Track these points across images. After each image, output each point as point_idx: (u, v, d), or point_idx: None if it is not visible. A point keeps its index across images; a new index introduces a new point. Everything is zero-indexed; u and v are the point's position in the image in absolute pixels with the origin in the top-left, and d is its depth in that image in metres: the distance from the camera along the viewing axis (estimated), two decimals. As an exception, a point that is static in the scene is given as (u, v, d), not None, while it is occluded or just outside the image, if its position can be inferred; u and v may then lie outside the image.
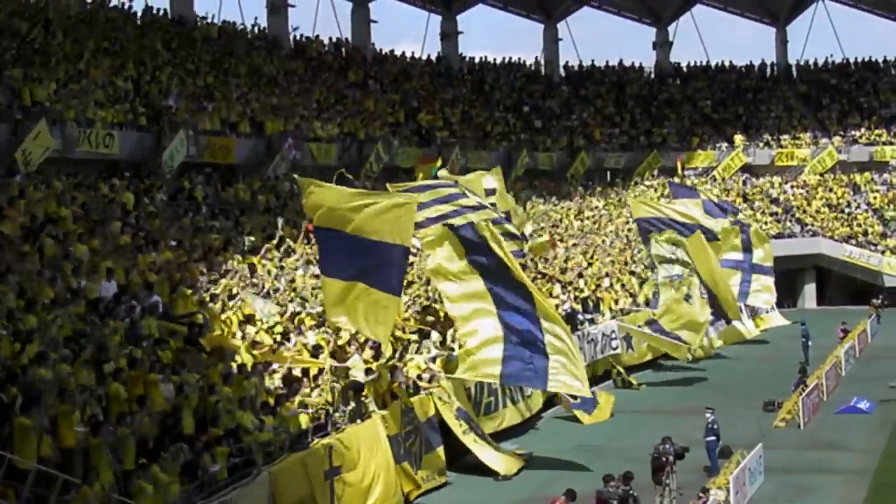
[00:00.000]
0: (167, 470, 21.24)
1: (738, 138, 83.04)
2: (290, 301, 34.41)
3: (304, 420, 26.98)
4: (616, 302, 51.94)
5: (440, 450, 31.22)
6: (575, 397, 37.03)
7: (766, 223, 75.59)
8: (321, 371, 29.44)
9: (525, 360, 31.54)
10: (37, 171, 36.86)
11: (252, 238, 40.96)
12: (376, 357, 31.56)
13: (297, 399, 27.73)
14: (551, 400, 39.10)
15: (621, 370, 45.79)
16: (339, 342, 31.44)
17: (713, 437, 30.92)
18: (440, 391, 32.30)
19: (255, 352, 29.16)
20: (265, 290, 34.53)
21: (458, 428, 32.06)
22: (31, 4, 49.75)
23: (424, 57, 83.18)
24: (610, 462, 29.38)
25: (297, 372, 29.44)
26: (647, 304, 52.67)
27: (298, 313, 33.37)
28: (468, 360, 32.14)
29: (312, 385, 28.88)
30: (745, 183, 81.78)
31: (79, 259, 29.33)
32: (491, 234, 32.76)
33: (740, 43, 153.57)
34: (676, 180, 75.79)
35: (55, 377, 21.82)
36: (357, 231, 28.56)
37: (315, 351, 30.27)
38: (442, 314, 36.34)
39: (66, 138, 39.47)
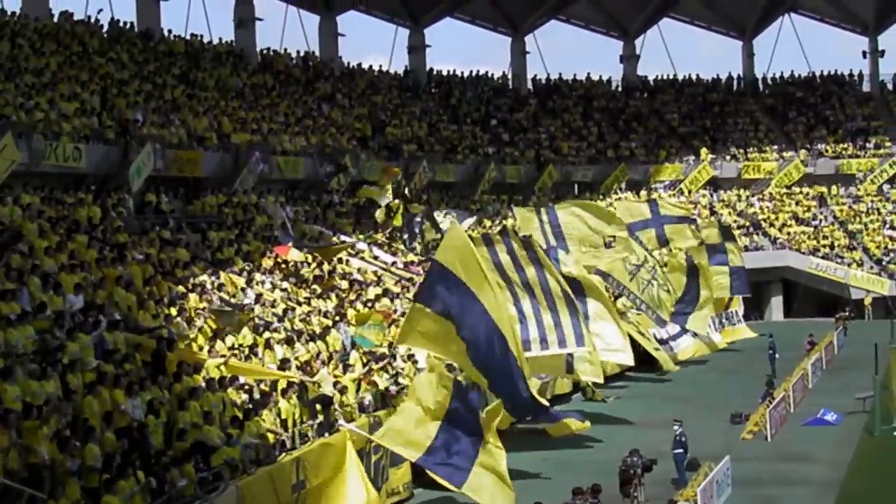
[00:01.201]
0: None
1: (705, 151, 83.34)
2: (259, 316, 34.39)
3: (271, 434, 26.93)
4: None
5: (407, 464, 31.13)
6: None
7: (733, 236, 75.97)
8: (290, 385, 29.38)
9: (452, 454, 30.03)
10: (3, 184, 36.65)
11: (219, 252, 40.96)
12: (344, 371, 31.58)
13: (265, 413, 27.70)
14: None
15: (589, 384, 45.81)
16: (306, 357, 31.42)
17: (681, 450, 30.97)
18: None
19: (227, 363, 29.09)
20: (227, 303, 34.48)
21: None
22: (-3, 18, 49.62)
23: (392, 70, 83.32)
24: (578, 475, 29.40)
25: (265, 386, 29.40)
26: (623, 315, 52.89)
27: (267, 327, 33.34)
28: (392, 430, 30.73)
29: (280, 399, 28.81)
30: (712, 196, 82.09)
31: (45, 273, 29.19)
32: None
33: (707, 56, 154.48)
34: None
35: (21, 392, 21.74)
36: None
37: (283, 364, 30.23)
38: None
39: (32, 152, 39.28)
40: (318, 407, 29.45)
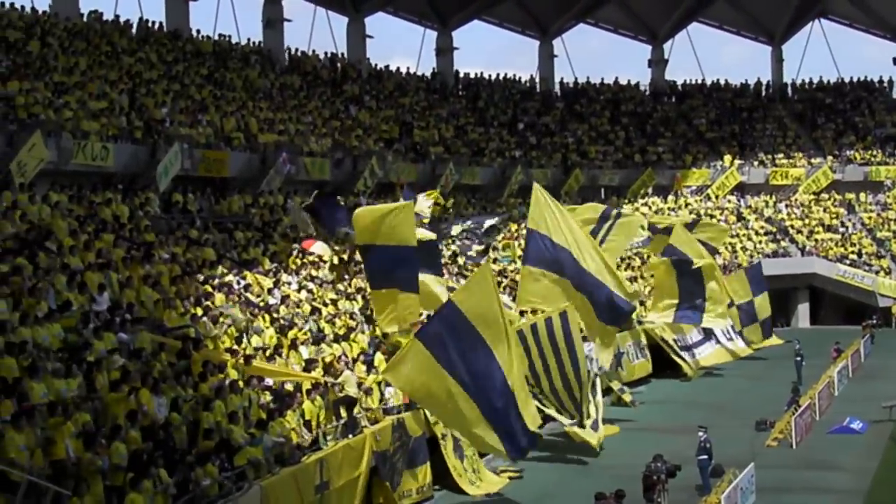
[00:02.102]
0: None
1: (728, 158, 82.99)
2: (284, 317, 34.43)
3: (295, 435, 26.96)
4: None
5: (425, 467, 31.18)
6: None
7: (760, 242, 75.73)
8: (315, 386, 29.42)
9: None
10: (31, 183, 36.78)
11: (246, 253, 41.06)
12: (369, 371, 31.63)
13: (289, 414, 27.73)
14: (543, 417, 38.98)
15: (614, 387, 45.78)
16: (328, 358, 31.46)
17: (705, 456, 30.89)
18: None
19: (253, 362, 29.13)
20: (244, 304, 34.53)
21: (447, 447, 32.02)
22: (28, 17, 49.76)
23: (419, 72, 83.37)
24: (601, 480, 29.33)
25: (289, 387, 29.44)
26: (640, 322, 52.83)
27: (291, 328, 33.38)
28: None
29: (305, 400, 28.84)
30: (739, 202, 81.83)
31: (72, 271, 29.27)
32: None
33: (736, 61, 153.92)
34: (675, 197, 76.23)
35: (47, 390, 21.83)
36: (385, 241, 29.37)
37: (308, 365, 30.29)
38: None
39: (60, 150, 39.40)
40: (342, 408, 29.50)
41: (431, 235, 39.42)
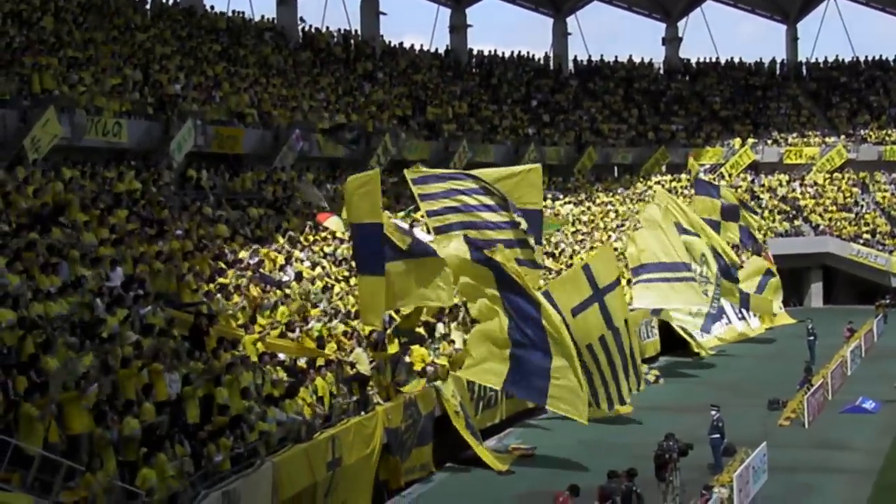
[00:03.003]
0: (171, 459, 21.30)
1: (738, 142, 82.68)
2: (297, 293, 34.47)
3: (308, 411, 27.02)
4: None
5: (430, 445, 31.35)
6: None
7: (773, 221, 75.56)
8: (328, 362, 29.47)
9: (529, 374, 31.34)
10: (44, 158, 36.83)
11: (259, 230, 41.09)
12: (376, 349, 31.66)
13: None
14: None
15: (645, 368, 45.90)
16: (340, 335, 31.54)
17: (717, 435, 30.85)
18: (445, 386, 32.35)
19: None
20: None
21: (459, 423, 32.12)
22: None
23: (433, 50, 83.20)
24: (613, 458, 29.32)
25: (302, 363, 29.49)
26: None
27: (304, 304, 33.41)
28: (473, 363, 32.19)
29: (317, 376, 28.87)
30: (752, 181, 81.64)
31: (86, 247, 29.32)
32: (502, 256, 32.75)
33: (750, 40, 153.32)
34: (689, 177, 75.99)
35: (61, 365, 21.88)
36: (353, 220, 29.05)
37: (319, 342, 30.34)
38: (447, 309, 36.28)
39: (74, 126, 39.40)
40: (355, 385, 29.55)
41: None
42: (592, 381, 35.31)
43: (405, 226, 37.09)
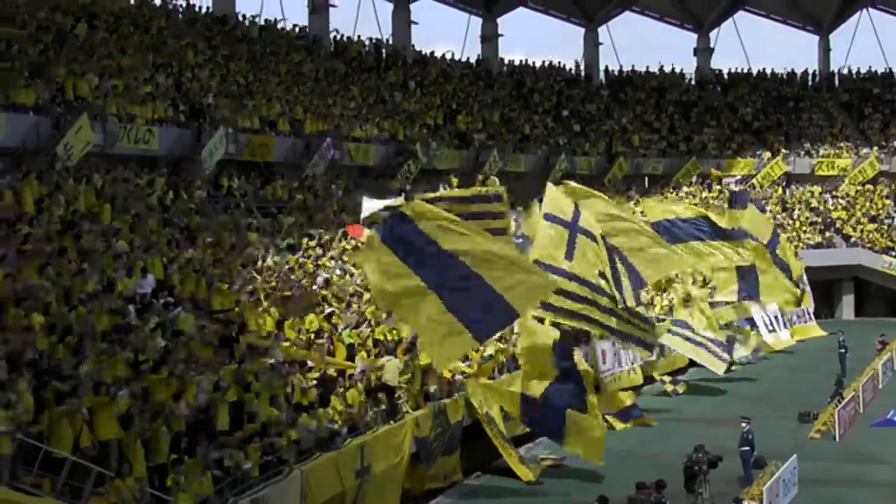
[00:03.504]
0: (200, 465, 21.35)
1: (768, 154, 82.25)
2: (326, 300, 34.50)
3: (338, 419, 27.04)
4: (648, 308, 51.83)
5: (457, 454, 31.38)
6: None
7: (804, 232, 75.26)
8: (363, 370, 29.51)
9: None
10: (77, 165, 36.99)
11: (290, 239, 41.13)
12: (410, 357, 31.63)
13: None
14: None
15: (665, 379, 45.77)
16: (369, 343, 31.55)
17: (747, 447, 30.76)
18: (475, 394, 32.34)
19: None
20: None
21: (490, 431, 32.09)
22: (75, 0, 49.92)
23: (464, 59, 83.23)
24: (642, 469, 29.28)
25: (332, 371, 29.51)
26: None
27: (334, 313, 33.45)
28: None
29: (347, 385, 28.90)
30: (784, 192, 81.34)
31: (117, 254, 29.43)
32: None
33: (782, 50, 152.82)
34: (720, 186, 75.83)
35: (92, 370, 21.96)
36: (459, 253, 27.47)
37: (349, 351, 30.38)
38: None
39: (106, 133, 39.58)
40: (383, 395, 29.53)
41: None
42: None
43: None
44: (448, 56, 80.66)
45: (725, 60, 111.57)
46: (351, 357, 30.54)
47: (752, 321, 55.34)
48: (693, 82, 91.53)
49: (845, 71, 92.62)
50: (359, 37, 73.29)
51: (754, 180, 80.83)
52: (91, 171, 37.05)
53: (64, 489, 19.56)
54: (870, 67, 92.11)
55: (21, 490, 18.77)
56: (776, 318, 57.84)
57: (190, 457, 21.33)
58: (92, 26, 47.38)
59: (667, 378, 46.32)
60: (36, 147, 36.95)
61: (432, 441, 29.96)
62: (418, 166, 58.44)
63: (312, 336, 30.91)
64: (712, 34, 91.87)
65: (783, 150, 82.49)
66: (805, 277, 59.31)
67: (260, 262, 36.12)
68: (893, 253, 73.90)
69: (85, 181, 35.31)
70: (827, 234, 76.18)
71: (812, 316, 62.93)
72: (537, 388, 32.59)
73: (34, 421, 20.19)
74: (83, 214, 31.86)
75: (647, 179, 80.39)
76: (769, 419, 37.91)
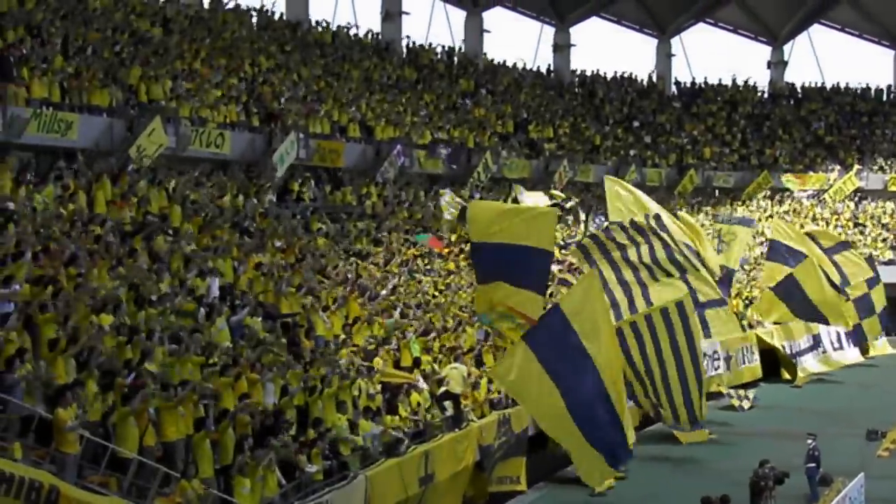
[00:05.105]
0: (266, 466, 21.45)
1: (837, 169, 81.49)
2: (395, 308, 34.56)
3: (404, 425, 27.10)
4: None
5: (520, 459, 31.21)
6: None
7: (876, 248, 74.48)
8: (423, 378, 29.54)
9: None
10: (149, 168, 37.32)
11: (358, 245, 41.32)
12: (477, 366, 31.67)
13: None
14: (648, 418, 38.65)
15: (732, 393, 45.50)
16: (437, 351, 31.61)
17: (814, 464, 30.52)
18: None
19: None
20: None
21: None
22: (150, 4, 50.42)
23: (535, 68, 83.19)
24: (708, 483, 29.13)
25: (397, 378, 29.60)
26: (751, 326, 52.35)
27: (402, 323, 33.50)
28: None
29: (412, 392, 28.95)
30: (856, 207, 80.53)
31: (187, 256, 29.66)
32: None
33: (857, 65, 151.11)
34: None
35: (160, 372, 22.14)
36: (504, 239, 27.95)
37: (416, 360, 30.45)
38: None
39: (179, 137, 39.93)
40: (450, 403, 29.56)
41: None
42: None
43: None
44: (519, 65, 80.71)
45: (799, 74, 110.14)
46: (417, 364, 30.59)
47: (818, 338, 55.01)
48: (766, 95, 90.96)
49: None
50: (431, 44, 73.59)
51: (826, 195, 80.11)
52: (163, 174, 37.40)
53: (130, 488, 19.75)
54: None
55: (89, 489, 18.95)
56: (842, 335, 57.36)
57: (255, 460, 21.42)
58: (167, 30, 47.81)
59: (734, 392, 46.01)
60: (109, 149, 37.32)
61: (496, 450, 29.95)
62: (488, 175, 58.48)
63: (381, 342, 31.02)
64: (786, 47, 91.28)
65: (856, 166, 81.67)
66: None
67: (329, 268, 36.27)
68: (968, 270, 72.86)
69: (157, 183, 35.64)
70: (899, 250, 75.33)
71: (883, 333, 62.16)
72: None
73: (102, 421, 20.41)
74: (154, 217, 32.14)
75: (717, 192, 79.90)
76: (836, 436, 37.53)
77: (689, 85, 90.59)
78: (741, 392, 46.15)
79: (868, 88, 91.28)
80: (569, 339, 25.94)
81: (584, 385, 25.89)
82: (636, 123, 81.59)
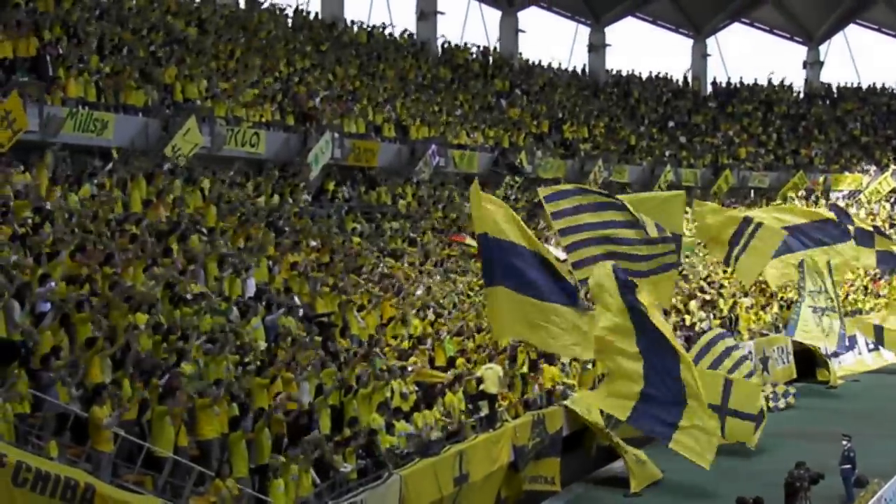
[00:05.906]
0: (301, 465, 21.48)
1: (873, 169, 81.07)
2: (428, 307, 34.57)
3: (439, 424, 27.11)
4: (754, 322, 51.41)
5: (554, 460, 31.22)
6: None
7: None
8: (457, 377, 29.47)
9: (657, 410, 29.99)
10: (185, 167, 37.44)
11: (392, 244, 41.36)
12: (511, 366, 31.62)
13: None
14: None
15: (773, 390, 45.33)
16: (472, 350, 31.57)
17: (849, 466, 30.41)
18: (578, 403, 32.26)
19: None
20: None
21: (606, 435, 32.07)
22: (186, 4, 50.62)
23: (571, 68, 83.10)
24: (742, 484, 29.05)
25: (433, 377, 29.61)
26: (785, 326, 52.05)
27: (436, 320, 33.52)
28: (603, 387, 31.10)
29: (447, 392, 28.94)
30: (892, 208, 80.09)
31: (222, 256, 29.73)
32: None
33: (893, 65, 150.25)
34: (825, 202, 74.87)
35: (194, 371, 22.22)
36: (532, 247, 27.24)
37: (451, 360, 30.45)
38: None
39: (214, 136, 40.08)
40: (484, 403, 29.54)
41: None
42: None
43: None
44: (555, 65, 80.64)
45: (835, 74, 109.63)
46: (452, 364, 30.57)
47: (853, 339, 54.70)
48: (801, 95, 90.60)
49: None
50: (466, 44, 73.60)
51: (862, 196, 79.72)
52: (198, 174, 37.53)
53: (165, 487, 19.83)
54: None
55: (124, 487, 19.04)
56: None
57: (290, 459, 21.46)
58: (202, 30, 47.98)
59: (774, 389, 45.75)
60: (144, 148, 37.48)
61: (530, 450, 29.94)
62: (523, 175, 58.42)
63: (416, 341, 31.05)
64: (822, 47, 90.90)
65: (892, 166, 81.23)
66: None
67: (364, 268, 36.30)
68: None
69: (192, 183, 35.76)
70: (934, 252, 74.81)
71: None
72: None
73: (137, 419, 20.50)
74: (190, 216, 32.24)
75: (753, 192, 79.60)
76: (872, 438, 37.31)
77: (724, 85, 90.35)
78: (780, 389, 45.93)
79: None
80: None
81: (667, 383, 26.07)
82: (671, 124, 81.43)
